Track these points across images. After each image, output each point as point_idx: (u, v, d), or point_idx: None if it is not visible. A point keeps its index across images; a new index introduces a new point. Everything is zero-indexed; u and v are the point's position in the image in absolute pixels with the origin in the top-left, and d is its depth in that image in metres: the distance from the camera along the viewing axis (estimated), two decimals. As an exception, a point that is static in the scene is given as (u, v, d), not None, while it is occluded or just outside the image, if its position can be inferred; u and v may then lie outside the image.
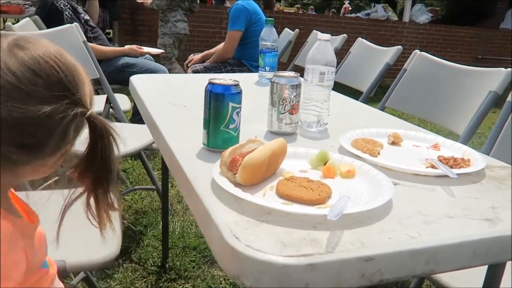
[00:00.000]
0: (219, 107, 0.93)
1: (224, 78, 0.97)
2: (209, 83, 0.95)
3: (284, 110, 1.10)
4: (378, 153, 0.99)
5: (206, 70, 3.38)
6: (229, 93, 0.93)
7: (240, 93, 0.95)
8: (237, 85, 0.95)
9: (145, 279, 1.85)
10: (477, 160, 0.97)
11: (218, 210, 0.71)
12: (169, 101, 1.40)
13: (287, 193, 0.76)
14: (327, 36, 1.15)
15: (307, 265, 0.58)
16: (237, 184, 0.77)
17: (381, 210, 0.72)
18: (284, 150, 0.87)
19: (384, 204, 0.73)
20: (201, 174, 0.83)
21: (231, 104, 0.93)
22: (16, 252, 0.65)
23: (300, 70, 1.31)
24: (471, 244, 0.68)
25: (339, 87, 2.08)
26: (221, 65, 3.39)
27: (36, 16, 2.88)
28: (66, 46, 2.50)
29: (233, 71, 3.32)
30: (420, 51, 1.99)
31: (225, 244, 0.62)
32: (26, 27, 2.48)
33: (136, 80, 1.68)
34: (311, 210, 0.71)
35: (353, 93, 2.05)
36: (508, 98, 1.48)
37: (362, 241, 0.64)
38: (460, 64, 1.81)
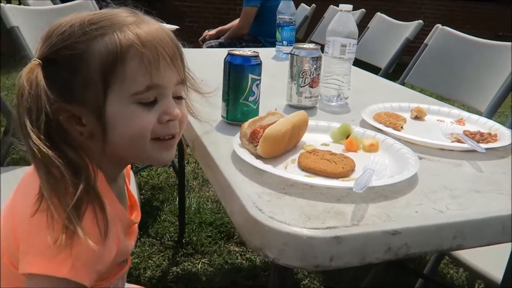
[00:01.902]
0: (238, 79, 0.91)
1: (244, 49, 0.94)
2: (228, 54, 0.93)
3: (304, 83, 1.08)
4: (402, 127, 0.97)
5: (221, 46, 3.34)
6: (248, 64, 0.91)
7: (260, 64, 0.93)
8: (257, 56, 0.93)
9: (162, 253, 1.87)
10: (505, 135, 0.93)
11: (240, 182, 0.69)
12: (186, 75, 1.38)
13: (309, 166, 0.74)
14: (348, 6, 1.11)
15: (333, 237, 0.57)
16: (258, 157, 0.75)
17: (407, 183, 0.70)
18: (305, 122, 0.85)
19: (410, 178, 0.71)
20: (221, 147, 0.82)
21: (250, 76, 0.91)
22: (112, 237, 0.63)
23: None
24: (500, 220, 0.66)
25: (357, 63, 2.04)
26: (236, 42, 3.35)
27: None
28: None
29: (248, 47, 3.26)
30: (442, 25, 1.93)
31: (248, 216, 0.61)
32: (40, 2, 2.46)
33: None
34: (335, 183, 0.69)
35: (371, 70, 2.00)
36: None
37: (388, 215, 0.62)
38: (479, 37, 1.75)
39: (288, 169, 0.75)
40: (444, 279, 1.80)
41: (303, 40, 3.20)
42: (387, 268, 1.69)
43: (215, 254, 1.88)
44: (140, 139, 0.65)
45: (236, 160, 0.76)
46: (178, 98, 0.69)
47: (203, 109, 1.04)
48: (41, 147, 0.59)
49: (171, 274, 1.76)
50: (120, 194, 0.74)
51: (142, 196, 2.28)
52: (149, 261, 1.82)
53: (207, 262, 1.83)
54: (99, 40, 0.62)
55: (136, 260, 1.81)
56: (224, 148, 0.81)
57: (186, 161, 2.42)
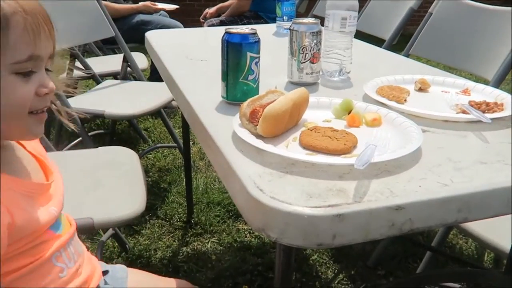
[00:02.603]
0: (236, 58, 0.90)
1: (241, 27, 0.92)
2: (226, 32, 0.91)
3: (305, 59, 1.06)
4: (405, 100, 0.95)
5: (222, 24, 3.30)
6: (246, 42, 0.89)
7: (258, 42, 0.91)
8: (254, 33, 0.91)
9: (171, 234, 1.89)
10: (511, 104, 0.91)
11: (241, 162, 0.69)
12: (185, 56, 1.37)
13: (311, 143, 0.73)
14: (348, -22, 1.08)
15: (335, 215, 0.57)
16: (258, 136, 0.75)
17: (410, 158, 0.69)
18: (306, 99, 0.84)
19: (413, 152, 0.69)
20: (221, 127, 0.81)
21: (249, 54, 0.90)
22: None
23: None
24: (506, 191, 0.65)
25: (360, 36, 1.99)
26: (237, 19, 3.30)
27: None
28: (79, 4, 2.45)
29: (250, 24, 3.23)
30: (447, -7, 1.87)
31: (249, 196, 0.61)
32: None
33: (152, 36, 1.64)
34: (336, 160, 0.68)
35: (375, 42, 1.97)
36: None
37: (391, 190, 0.61)
38: (489, 3, 1.70)
39: (289, 148, 0.74)
40: (453, 250, 1.80)
41: (306, 14, 3.15)
42: (395, 241, 1.70)
43: (224, 233, 1.89)
44: (18, 111, 0.64)
45: (237, 141, 0.75)
46: (47, 70, 0.68)
47: (200, 89, 1.04)
48: None
49: (181, 254, 1.78)
50: (8, 163, 0.69)
51: (149, 179, 2.30)
52: (159, 242, 1.84)
53: (216, 241, 1.85)
54: None
55: (146, 242, 1.83)
56: (224, 128, 0.80)
57: (191, 142, 2.42)
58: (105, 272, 0.89)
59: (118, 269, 0.93)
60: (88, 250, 0.88)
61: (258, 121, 0.75)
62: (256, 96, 0.81)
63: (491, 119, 0.83)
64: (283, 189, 0.61)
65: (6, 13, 0.59)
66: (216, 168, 0.79)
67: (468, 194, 0.62)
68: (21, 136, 0.71)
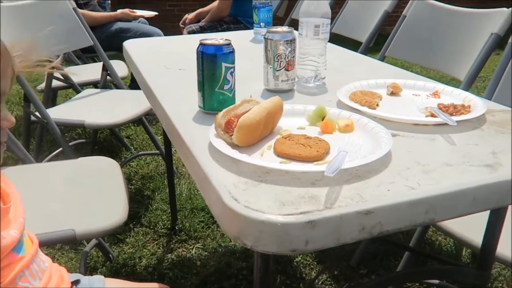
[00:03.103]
0: (212, 69, 0.92)
1: (215, 38, 0.94)
2: (200, 44, 0.93)
3: (280, 67, 1.08)
4: (377, 105, 0.98)
5: (202, 30, 3.31)
6: (221, 53, 0.91)
7: (232, 52, 0.93)
8: (229, 44, 0.93)
9: (156, 242, 1.90)
10: (478, 105, 0.95)
11: (216, 172, 0.71)
12: (163, 65, 1.38)
13: (284, 151, 0.75)
14: (320, -14, 1.11)
15: (306, 222, 0.59)
16: (234, 146, 0.76)
17: (380, 162, 0.72)
18: (280, 108, 0.86)
19: (383, 157, 0.72)
20: (198, 138, 0.83)
21: (224, 65, 0.91)
22: None
23: (298, 24, 1.28)
24: (470, 191, 0.68)
25: (338, 39, 2.03)
26: (217, 24, 3.32)
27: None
28: (56, 14, 2.44)
29: (229, 29, 3.25)
30: (420, -5, 1.92)
31: (224, 206, 0.63)
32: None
33: (130, 45, 1.65)
34: (309, 167, 0.70)
35: (354, 44, 2.01)
36: (510, 40, 1.44)
37: (361, 195, 0.64)
38: (464, 6, 1.75)
39: (264, 156, 0.76)
40: (433, 247, 1.85)
41: (284, 18, 3.18)
42: (376, 240, 1.73)
43: (209, 238, 1.90)
44: None
45: (213, 151, 0.77)
46: None
47: (178, 99, 1.05)
48: None
49: (166, 261, 1.79)
50: None
51: (132, 187, 2.30)
52: (144, 250, 1.85)
53: (201, 246, 1.86)
54: None
55: (131, 250, 1.83)
56: (201, 138, 0.82)
57: (174, 148, 2.42)
58: (76, 282, 0.89)
59: (95, 280, 0.94)
60: (72, 260, 0.87)
61: (233, 131, 0.77)
62: (231, 106, 0.83)
63: (458, 121, 0.86)
64: (257, 197, 0.63)
65: None
66: (193, 177, 0.81)
67: (434, 196, 0.65)
68: None
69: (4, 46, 0.67)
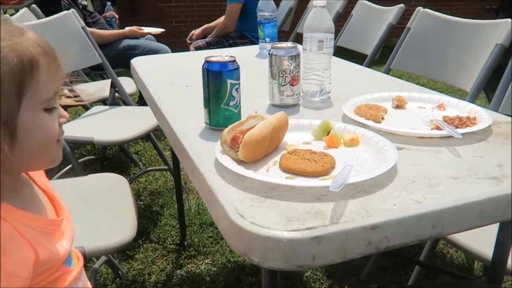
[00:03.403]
0: (217, 85, 0.93)
1: (221, 55, 0.95)
2: (206, 61, 0.94)
3: (285, 82, 1.09)
4: (382, 118, 0.98)
5: (208, 45, 3.35)
6: (226, 70, 0.92)
7: (237, 69, 0.94)
8: (234, 61, 0.94)
9: (165, 257, 1.90)
10: (483, 117, 0.95)
11: (223, 189, 0.71)
12: (170, 82, 1.40)
13: (290, 166, 0.76)
14: (322, 2, 1.12)
15: (312, 237, 0.59)
16: (240, 162, 0.77)
17: (385, 177, 0.72)
18: (285, 123, 0.86)
19: (388, 171, 0.72)
20: (204, 154, 0.84)
21: (229, 81, 0.93)
22: (20, 250, 0.65)
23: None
24: (477, 204, 0.67)
25: (343, 52, 2.05)
26: (223, 39, 3.36)
27: (34, 5, 2.87)
28: (65, 33, 2.49)
29: (235, 45, 3.28)
30: (424, 8, 1.93)
31: (230, 222, 0.63)
32: (24, 17, 2.47)
33: (137, 63, 1.67)
34: (314, 182, 0.71)
35: (358, 57, 2.02)
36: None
37: (367, 210, 0.64)
38: (467, 17, 1.76)
39: (269, 172, 0.77)
40: (443, 260, 1.83)
41: (290, 32, 3.21)
42: (385, 255, 1.72)
43: (218, 254, 1.90)
44: (50, 143, 0.70)
45: (219, 167, 0.77)
46: None
47: (185, 115, 1.06)
48: None
49: (175, 277, 1.78)
50: (25, 201, 0.73)
51: (141, 202, 2.31)
52: (153, 266, 1.85)
53: (210, 262, 1.86)
54: (14, 49, 0.63)
55: (140, 266, 1.83)
56: (207, 155, 0.83)
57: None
58: None
59: None
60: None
61: (239, 147, 0.77)
62: (237, 122, 0.84)
63: (463, 133, 0.86)
64: (263, 213, 0.64)
65: (34, 56, 0.65)
66: (200, 193, 0.81)
67: (440, 210, 0.65)
68: (45, 165, 0.75)
69: (52, 47, 0.69)
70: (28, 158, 0.68)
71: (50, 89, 0.67)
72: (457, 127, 0.91)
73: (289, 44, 1.10)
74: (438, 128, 0.90)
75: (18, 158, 0.66)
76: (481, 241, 1.14)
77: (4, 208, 0.66)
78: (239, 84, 0.95)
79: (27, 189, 0.76)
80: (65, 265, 0.76)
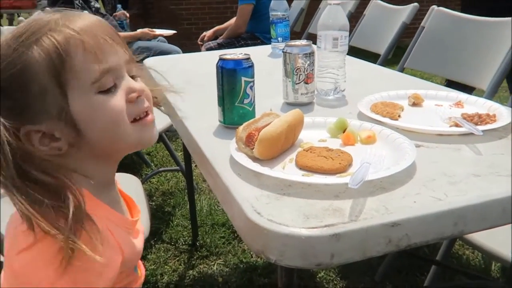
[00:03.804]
0: (231, 83, 0.92)
1: (235, 53, 0.95)
2: (220, 59, 0.94)
3: (299, 80, 1.08)
4: (399, 116, 0.97)
5: (220, 46, 3.35)
6: (240, 67, 0.92)
7: (252, 66, 0.93)
8: (248, 58, 0.93)
9: (177, 258, 1.89)
10: (503, 114, 0.93)
11: (238, 186, 0.70)
12: (183, 81, 1.40)
13: (306, 164, 0.74)
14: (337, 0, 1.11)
15: (331, 235, 0.58)
16: (255, 159, 0.76)
17: (404, 174, 0.70)
18: (301, 120, 0.85)
19: (407, 168, 0.71)
20: (219, 152, 0.83)
21: (243, 79, 0.92)
22: (111, 250, 0.63)
23: (315, 38, 1.28)
24: (499, 202, 0.66)
25: (356, 52, 2.03)
26: (234, 40, 3.35)
27: (47, 9, 2.89)
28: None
29: (247, 45, 3.28)
30: (438, 6, 1.91)
31: (247, 220, 0.62)
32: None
33: (150, 63, 1.67)
34: (332, 179, 0.70)
35: (371, 57, 2.00)
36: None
37: (386, 207, 0.63)
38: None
39: (286, 169, 0.76)
40: (460, 261, 1.80)
41: (301, 32, 3.19)
42: (400, 256, 1.69)
43: (230, 254, 1.89)
44: (120, 125, 0.64)
45: (234, 165, 0.76)
46: (132, 77, 0.68)
47: (198, 114, 1.06)
48: (17, 188, 0.57)
49: (187, 277, 1.78)
50: (114, 200, 0.73)
51: (153, 203, 2.31)
52: (165, 266, 1.84)
53: (222, 263, 1.85)
54: (35, 46, 0.60)
55: (152, 267, 1.83)
56: (222, 153, 0.82)
57: (194, 164, 2.43)
58: None
59: None
60: None
61: (254, 145, 0.76)
62: (252, 120, 0.83)
63: (483, 131, 0.84)
64: (280, 211, 0.63)
65: (61, 41, 0.60)
66: (215, 192, 0.81)
67: (462, 207, 0.64)
68: (135, 147, 0.72)
69: (91, 26, 0.64)
70: (104, 143, 0.65)
71: (93, 71, 0.62)
72: (476, 124, 0.89)
73: (303, 42, 1.09)
74: (457, 125, 0.89)
75: (97, 145, 0.64)
76: (499, 241, 1.12)
77: (99, 206, 0.65)
78: (253, 81, 0.94)
79: (114, 188, 0.75)
80: (134, 271, 0.75)
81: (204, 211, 2.19)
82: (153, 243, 1.97)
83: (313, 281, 1.72)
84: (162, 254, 1.91)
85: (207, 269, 1.82)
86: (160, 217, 2.16)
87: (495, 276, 1.72)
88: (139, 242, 0.74)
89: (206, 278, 1.76)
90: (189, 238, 2.01)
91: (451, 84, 1.86)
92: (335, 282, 1.71)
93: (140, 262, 0.82)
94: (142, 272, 0.81)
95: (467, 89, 1.66)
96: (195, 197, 2.11)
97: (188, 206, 2.14)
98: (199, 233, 2.02)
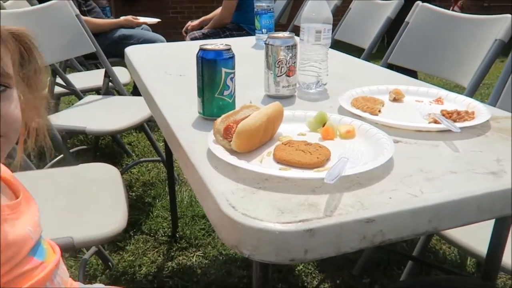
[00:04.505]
0: (211, 74, 0.90)
1: (216, 43, 0.93)
2: (200, 49, 0.92)
3: (281, 72, 1.07)
4: (379, 111, 0.96)
5: (204, 36, 3.31)
6: (221, 58, 0.90)
7: (232, 57, 0.92)
8: (229, 49, 0.92)
9: (156, 249, 1.88)
10: (482, 112, 0.93)
11: (214, 179, 0.69)
12: (164, 71, 1.38)
13: (284, 158, 0.74)
14: (321, -8, 1.10)
15: (305, 230, 0.57)
16: (233, 152, 0.75)
17: (381, 169, 0.70)
18: (280, 113, 0.84)
19: (384, 164, 0.70)
20: (197, 144, 0.82)
21: (224, 70, 0.90)
22: None
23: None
24: (474, 199, 0.66)
25: (341, 46, 2.02)
26: (219, 31, 3.32)
27: None
28: (58, 20, 2.45)
29: (232, 36, 3.25)
30: (423, 2, 1.91)
31: (221, 214, 0.61)
32: (18, 5, 2.42)
33: (131, 52, 1.64)
34: (309, 174, 0.69)
35: (356, 51, 1.99)
36: (515, 46, 1.42)
37: (362, 203, 0.62)
38: (465, 13, 1.74)
39: (263, 163, 0.75)
40: (437, 256, 1.82)
41: (287, 25, 3.18)
42: (378, 250, 1.71)
43: (209, 246, 1.88)
44: None
45: (211, 157, 0.75)
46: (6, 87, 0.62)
47: (178, 105, 1.04)
48: None
49: (166, 269, 1.77)
50: None
51: (133, 193, 2.28)
52: (144, 257, 1.83)
53: (202, 254, 1.84)
54: None
55: (130, 258, 1.81)
56: (199, 145, 0.80)
57: (175, 155, 2.41)
58: None
59: None
60: (71, 268, 0.85)
61: (232, 137, 0.75)
62: (231, 112, 0.82)
63: (461, 128, 0.85)
64: (255, 205, 0.62)
65: None
66: (191, 184, 0.79)
67: (437, 204, 0.64)
68: None
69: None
70: None
71: None
72: (455, 121, 0.89)
73: (286, 34, 1.07)
74: (436, 121, 0.89)
75: None
76: (475, 237, 1.13)
77: None
78: (234, 73, 0.93)
79: None
80: (33, 257, 0.66)
81: (185, 202, 2.18)
82: (132, 234, 1.95)
83: (292, 274, 1.72)
84: (141, 245, 1.90)
85: (186, 261, 1.81)
86: (140, 208, 2.14)
87: (471, 271, 1.75)
88: (21, 226, 0.66)
89: (185, 270, 1.76)
90: (169, 229, 1.99)
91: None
92: (314, 275, 1.72)
93: (51, 243, 0.75)
94: (56, 256, 0.72)
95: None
96: (175, 188, 2.10)
97: (168, 197, 2.13)
98: (179, 224, 2.01)
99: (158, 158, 2.45)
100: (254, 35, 1.79)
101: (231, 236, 0.61)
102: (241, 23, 3.32)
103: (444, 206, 0.64)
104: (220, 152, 0.74)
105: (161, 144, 2.52)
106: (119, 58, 2.83)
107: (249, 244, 0.58)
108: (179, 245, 1.89)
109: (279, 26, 2.71)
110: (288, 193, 0.65)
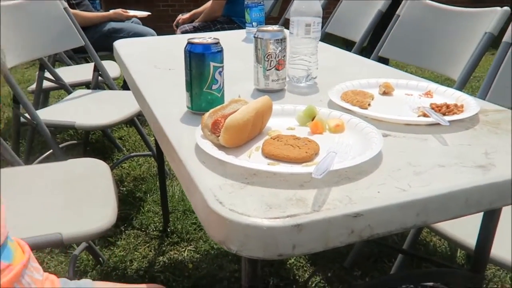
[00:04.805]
0: (200, 68, 0.90)
1: (204, 37, 0.92)
2: (188, 43, 0.91)
3: (270, 66, 1.06)
4: (369, 105, 0.96)
5: (195, 30, 3.29)
6: (209, 52, 0.89)
7: (221, 51, 0.91)
8: (217, 43, 0.91)
9: (148, 244, 1.87)
10: (471, 105, 0.93)
11: (202, 175, 0.68)
12: (153, 65, 1.36)
13: (272, 152, 0.73)
14: (310, -15, 1.09)
15: (293, 225, 0.57)
16: (221, 147, 0.74)
17: (370, 164, 0.70)
18: (269, 108, 0.84)
19: (373, 158, 0.70)
20: (184, 139, 0.81)
21: (212, 64, 0.89)
22: None
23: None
24: (463, 193, 0.66)
25: (332, 39, 2.02)
26: (210, 24, 3.30)
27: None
28: (47, 14, 2.42)
29: (223, 29, 3.23)
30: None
31: (209, 210, 0.61)
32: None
33: (120, 45, 1.62)
34: (297, 169, 0.68)
35: (347, 44, 1.99)
36: (504, 39, 1.42)
37: (350, 197, 0.62)
38: (457, 5, 1.74)
39: (251, 158, 0.74)
40: (427, 248, 1.83)
41: (279, 18, 3.16)
42: (369, 243, 1.72)
43: (201, 241, 1.88)
44: None
45: (199, 152, 0.74)
46: None
47: (167, 99, 1.03)
48: None
49: (157, 264, 1.76)
50: None
51: (124, 188, 2.27)
52: (135, 252, 1.82)
53: (193, 249, 1.84)
54: None
55: (121, 253, 1.81)
56: (187, 140, 0.80)
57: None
58: None
59: (82, 284, 0.91)
60: (61, 264, 0.83)
61: (220, 132, 0.75)
62: (219, 106, 0.81)
63: (450, 121, 0.84)
64: (243, 200, 0.61)
65: None
66: (179, 179, 0.79)
67: (425, 198, 0.63)
68: None
69: None
70: None
71: None
72: (444, 114, 0.89)
73: (275, 27, 1.06)
74: (425, 115, 0.89)
75: None
76: (465, 229, 1.14)
77: None
78: (222, 67, 0.92)
79: None
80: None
81: (176, 197, 2.17)
82: (123, 229, 1.94)
83: (283, 268, 1.73)
84: (132, 240, 1.89)
85: (177, 256, 1.81)
86: (131, 203, 2.13)
87: (460, 263, 1.76)
88: None
89: (177, 265, 1.75)
90: (160, 224, 1.99)
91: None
92: (305, 268, 1.72)
93: (21, 243, 0.71)
94: (25, 256, 0.69)
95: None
96: (167, 183, 2.09)
97: (159, 192, 2.12)
98: (170, 219, 2.00)
99: (149, 153, 2.44)
100: (244, 28, 1.78)
101: (218, 232, 0.60)
102: (232, 16, 3.30)
103: (432, 200, 0.64)
104: (208, 147, 0.73)
105: (152, 139, 2.51)
106: (109, 52, 2.80)
107: (237, 240, 0.58)
108: (170, 240, 1.89)
109: (271, 19, 2.69)
110: (276, 188, 0.64)
